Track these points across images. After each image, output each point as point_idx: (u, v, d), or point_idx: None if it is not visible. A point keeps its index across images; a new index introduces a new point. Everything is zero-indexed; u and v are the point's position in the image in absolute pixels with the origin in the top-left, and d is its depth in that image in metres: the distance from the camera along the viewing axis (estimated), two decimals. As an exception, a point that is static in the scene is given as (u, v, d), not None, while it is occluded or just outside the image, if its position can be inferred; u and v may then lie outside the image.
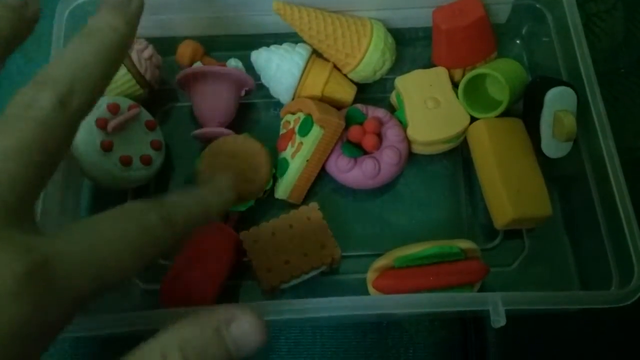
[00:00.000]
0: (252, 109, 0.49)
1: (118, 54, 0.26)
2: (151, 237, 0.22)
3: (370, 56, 0.45)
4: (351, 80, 0.47)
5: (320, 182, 0.45)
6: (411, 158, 0.46)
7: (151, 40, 0.46)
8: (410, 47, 0.50)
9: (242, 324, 0.21)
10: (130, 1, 0.27)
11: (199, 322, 0.20)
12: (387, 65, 0.47)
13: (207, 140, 0.45)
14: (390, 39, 0.47)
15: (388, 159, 0.43)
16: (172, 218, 0.23)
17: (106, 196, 0.45)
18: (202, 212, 0.26)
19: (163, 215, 0.23)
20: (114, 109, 0.42)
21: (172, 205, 0.24)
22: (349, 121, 0.45)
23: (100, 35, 0.25)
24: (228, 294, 0.41)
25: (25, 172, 0.20)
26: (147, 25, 0.39)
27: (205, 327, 0.20)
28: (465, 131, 0.45)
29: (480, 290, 0.41)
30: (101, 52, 0.25)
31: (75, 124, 0.23)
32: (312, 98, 0.45)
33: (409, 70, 0.47)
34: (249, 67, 0.47)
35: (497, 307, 0.35)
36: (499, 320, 0.35)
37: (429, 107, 0.45)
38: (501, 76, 0.43)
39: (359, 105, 0.46)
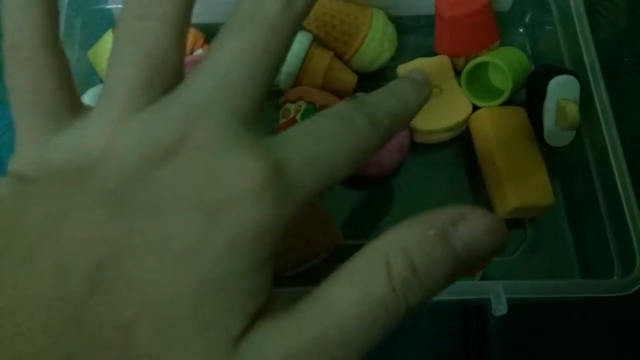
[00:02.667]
0: (253, 97, 0.49)
1: None
2: (361, 140, 0.21)
3: (367, 46, 0.45)
4: (352, 69, 0.47)
5: (321, 171, 0.45)
6: (413, 146, 0.46)
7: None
8: (412, 35, 0.50)
9: (472, 223, 0.19)
10: None
11: (422, 224, 0.19)
12: (386, 55, 0.46)
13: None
14: (390, 29, 0.46)
15: (390, 148, 0.43)
16: (379, 120, 0.22)
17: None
18: (404, 111, 0.24)
19: (371, 118, 0.22)
20: (115, 97, 0.42)
21: (377, 107, 0.23)
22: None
23: None
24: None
25: (255, 76, 0.20)
26: None
27: (428, 228, 0.18)
28: (467, 120, 0.45)
29: (482, 279, 0.41)
30: None
31: (296, 26, 0.22)
32: (313, 86, 0.44)
33: (411, 59, 0.46)
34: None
35: (498, 296, 0.35)
36: (500, 308, 0.35)
37: (432, 95, 0.45)
38: (504, 65, 0.43)
39: (361, 94, 0.46)
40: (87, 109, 0.21)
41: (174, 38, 0.21)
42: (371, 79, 0.48)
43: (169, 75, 0.21)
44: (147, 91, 0.20)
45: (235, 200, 0.18)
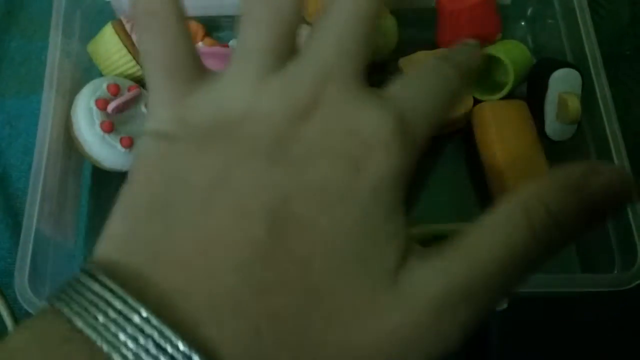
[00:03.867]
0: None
1: None
2: (451, 86, 0.24)
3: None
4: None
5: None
6: (414, 141, 0.45)
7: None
8: (414, 28, 0.49)
9: (606, 174, 0.20)
10: None
11: (558, 177, 0.20)
12: (388, 47, 0.46)
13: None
14: (391, 21, 0.46)
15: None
16: (460, 67, 0.24)
17: (107, 177, 0.45)
18: (474, 64, 0.26)
19: (453, 65, 0.24)
20: (114, 90, 0.41)
21: (455, 57, 0.25)
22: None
23: None
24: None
25: (367, 37, 0.22)
26: None
27: (565, 180, 0.20)
28: (469, 113, 0.44)
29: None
30: None
31: None
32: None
33: (412, 52, 0.46)
34: (251, 48, 0.46)
35: (499, 290, 0.35)
36: (500, 302, 0.35)
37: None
38: (505, 58, 0.42)
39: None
40: (213, 72, 0.23)
41: (299, 2, 0.23)
42: (372, 72, 0.48)
43: (294, 36, 0.23)
44: (277, 54, 0.22)
45: (372, 150, 0.20)
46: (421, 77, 0.24)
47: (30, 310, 0.35)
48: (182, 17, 0.24)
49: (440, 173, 0.46)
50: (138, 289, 0.18)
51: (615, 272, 0.37)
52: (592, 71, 0.41)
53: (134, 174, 0.21)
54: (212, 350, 0.17)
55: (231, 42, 0.46)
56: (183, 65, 0.23)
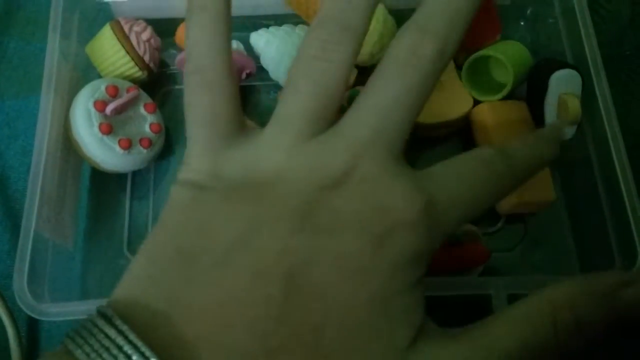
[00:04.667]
0: (251, 92, 0.48)
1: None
2: (499, 185, 0.24)
3: (367, 40, 0.44)
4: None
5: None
6: (414, 141, 0.45)
7: (150, 22, 0.45)
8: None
9: (637, 289, 0.20)
10: None
11: (590, 283, 0.21)
12: (386, 48, 0.46)
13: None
14: (390, 22, 0.46)
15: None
16: (517, 169, 0.24)
17: (106, 179, 0.45)
18: (539, 164, 0.26)
19: (508, 163, 0.24)
20: (113, 92, 0.41)
21: (515, 154, 0.25)
22: (351, 103, 0.44)
23: None
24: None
25: (411, 115, 0.23)
26: (146, 6, 0.38)
27: (596, 287, 0.20)
28: (468, 114, 0.44)
29: (482, 274, 0.40)
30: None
31: (441, 73, 0.24)
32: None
33: (411, 53, 0.46)
34: (248, 50, 0.46)
35: (498, 291, 0.35)
36: (501, 304, 0.35)
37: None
38: (505, 58, 0.42)
39: (360, 88, 0.45)
40: (254, 130, 0.24)
41: (345, 78, 0.23)
42: (370, 73, 0.48)
43: (336, 109, 0.23)
44: (318, 123, 0.23)
45: (398, 228, 0.20)
46: (466, 166, 0.23)
47: (28, 312, 0.35)
48: (232, 73, 0.24)
49: (439, 174, 0.45)
50: (151, 335, 0.18)
51: (616, 273, 0.37)
52: (593, 72, 0.41)
53: (164, 220, 0.22)
54: None
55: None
56: (225, 120, 0.23)
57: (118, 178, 0.45)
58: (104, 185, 0.45)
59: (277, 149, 0.22)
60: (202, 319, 0.19)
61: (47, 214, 0.38)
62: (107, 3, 0.47)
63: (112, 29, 0.44)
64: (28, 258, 0.36)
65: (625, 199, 0.37)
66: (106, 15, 0.47)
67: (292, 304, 0.19)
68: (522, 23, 0.51)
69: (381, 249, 0.20)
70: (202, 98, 0.23)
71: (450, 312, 0.42)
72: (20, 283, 0.35)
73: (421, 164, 0.46)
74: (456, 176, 0.23)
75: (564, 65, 0.42)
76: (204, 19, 0.24)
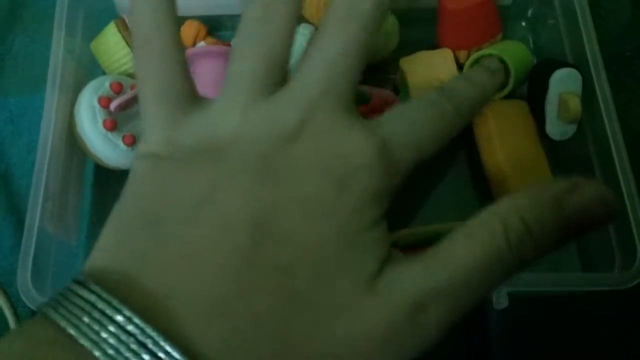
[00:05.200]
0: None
1: None
2: (448, 124, 0.26)
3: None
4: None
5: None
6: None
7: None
8: (415, 28, 0.49)
9: (586, 193, 0.21)
10: None
11: (536, 193, 0.21)
12: (389, 47, 0.46)
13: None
14: (392, 21, 0.46)
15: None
16: (462, 107, 0.26)
17: (110, 175, 0.45)
18: (482, 98, 0.28)
19: (456, 106, 0.26)
20: (117, 88, 0.42)
21: (460, 96, 0.27)
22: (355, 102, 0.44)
23: None
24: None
25: (355, 66, 0.24)
26: (151, 3, 0.38)
27: (543, 196, 0.21)
28: (469, 113, 0.45)
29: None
30: None
31: (381, 20, 0.26)
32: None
33: (413, 52, 0.46)
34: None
35: (500, 289, 0.35)
36: (501, 302, 0.35)
37: (433, 88, 0.45)
38: (506, 57, 0.43)
39: (364, 87, 0.46)
40: (206, 99, 0.25)
41: (288, 36, 0.25)
42: (373, 71, 0.48)
43: (283, 67, 0.24)
44: (267, 83, 0.24)
45: (356, 172, 0.22)
46: (415, 109, 0.25)
47: (33, 308, 0.35)
48: (179, 43, 0.25)
49: (441, 172, 0.46)
50: (124, 292, 0.19)
51: (616, 271, 0.38)
52: (593, 71, 0.41)
53: (125, 192, 0.23)
54: (194, 348, 0.19)
55: (233, 41, 0.46)
56: (177, 90, 0.24)
57: (122, 174, 0.45)
58: (108, 182, 0.45)
59: (230, 112, 0.23)
60: (172, 272, 0.20)
61: (51, 210, 0.39)
62: (111, 1, 0.47)
63: (117, 26, 0.44)
64: (32, 254, 0.36)
65: (625, 196, 0.37)
66: (111, 13, 0.48)
67: (260, 248, 0.20)
68: (523, 23, 0.51)
69: (342, 191, 0.21)
70: (152, 69, 0.24)
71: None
72: (24, 278, 0.35)
73: (422, 164, 0.46)
74: (407, 119, 0.25)
75: (564, 64, 0.42)
76: None
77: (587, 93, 0.41)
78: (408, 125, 0.24)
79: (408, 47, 0.49)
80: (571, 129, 0.43)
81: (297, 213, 0.21)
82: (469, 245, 0.21)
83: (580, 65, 0.42)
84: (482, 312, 0.42)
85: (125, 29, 0.44)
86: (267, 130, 0.22)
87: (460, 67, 0.46)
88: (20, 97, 0.48)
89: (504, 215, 0.21)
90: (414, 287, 0.21)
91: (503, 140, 0.43)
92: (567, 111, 0.41)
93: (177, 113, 0.24)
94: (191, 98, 0.24)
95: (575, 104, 0.40)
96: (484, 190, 0.45)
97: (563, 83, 0.41)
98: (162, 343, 0.18)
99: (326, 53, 0.24)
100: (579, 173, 0.43)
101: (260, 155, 0.22)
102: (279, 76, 0.24)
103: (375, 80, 0.47)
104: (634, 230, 0.36)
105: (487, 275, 0.21)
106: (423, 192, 0.45)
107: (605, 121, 0.40)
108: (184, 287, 0.19)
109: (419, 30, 0.49)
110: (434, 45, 0.47)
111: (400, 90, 0.47)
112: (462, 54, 0.46)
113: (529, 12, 0.50)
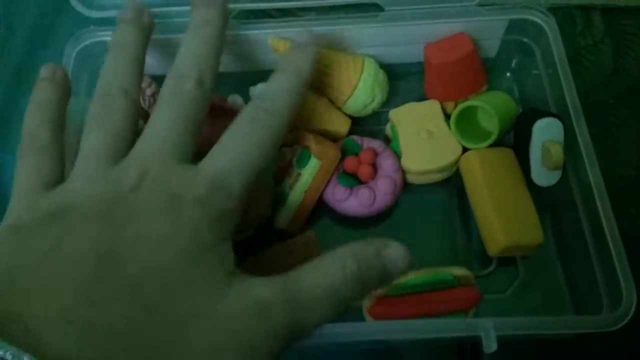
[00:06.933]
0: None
1: (222, 40, 0.36)
2: (267, 131, 0.31)
3: (359, 92, 0.47)
4: (346, 114, 0.49)
5: (318, 210, 0.46)
6: (406, 187, 0.47)
7: (154, 78, 0.47)
8: (403, 81, 0.51)
9: (395, 249, 0.28)
10: None
11: (364, 244, 0.28)
12: (378, 100, 0.48)
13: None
14: (381, 75, 0.48)
15: (383, 188, 0.45)
16: (277, 108, 0.32)
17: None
18: (300, 84, 0.35)
19: (269, 110, 0.32)
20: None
21: (273, 97, 0.33)
22: (345, 152, 0.46)
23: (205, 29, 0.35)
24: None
25: (184, 131, 0.31)
26: (151, 63, 0.41)
27: (369, 246, 0.28)
28: (457, 161, 0.46)
29: (475, 317, 0.41)
30: (210, 41, 0.35)
31: (209, 97, 0.33)
32: (308, 131, 0.46)
33: (402, 103, 0.48)
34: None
35: (488, 333, 0.35)
36: (490, 345, 0.35)
37: (422, 138, 0.46)
38: (491, 108, 0.44)
39: (354, 137, 0.47)
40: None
41: (130, 120, 0.32)
42: (364, 123, 0.50)
43: (128, 142, 0.31)
44: (112, 154, 0.30)
45: (189, 205, 0.27)
46: (232, 131, 0.31)
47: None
48: (59, 136, 0.33)
49: (431, 218, 0.47)
50: None
51: (603, 313, 0.38)
52: (574, 120, 0.43)
53: None
54: (49, 351, 0.21)
55: (230, 97, 0.48)
56: (45, 175, 0.30)
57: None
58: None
59: (80, 179, 0.29)
60: (25, 298, 0.23)
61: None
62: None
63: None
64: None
65: (609, 240, 0.38)
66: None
67: (106, 270, 0.24)
68: (508, 74, 0.53)
69: (181, 222, 0.26)
70: (30, 159, 0.31)
71: (447, 354, 0.43)
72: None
73: (414, 210, 0.47)
74: (228, 145, 0.30)
75: (546, 114, 0.43)
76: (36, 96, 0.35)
77: (570, 141, 0.43)
78: (230, 150, 0.30)
79: (397, 98, 0.51)
80: (555, 176, 0.44)
81: (139, 243, 0.25)
82: (315, 275, 0.26)
83: (562, 113, 0.44)
84: (475, 356, 0.43)
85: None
86: (110, 188, 0.27)
87: (447, 117, 0.47)
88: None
89: (343, 256, 0.27)
90: (258, 292, 0.25)
91: (491, 187, 0.44)
92: (550, 158, 0.42)
93: (42, 190, 0.29)
94: (60, 178, 0.31)
95: (557, 152, 0.42)
96: (474, 235, 0.46)
97: (545, 132, 0.43)
98: (10, 355, 0.20)
99: (158, 122, 0.31)
100: (565, 218, 0.45)
101: (105, 207, 0.26)
102: (123, 149, 0.30)
103: (366, 130, 0.49)
104: (619, 273, 0.37)
105: (327, 302, 0.26)
106: (414, 237, 0.46)
107: (587, 167, 0.41)
108: (35, 306, 0.23)
109: (408, 83, 0.51)
110: (422, 97, 0.49)
111: (391, 140, 0.48)
112: (449, 105, 0.48)
113: (513, 64, 0.52)
